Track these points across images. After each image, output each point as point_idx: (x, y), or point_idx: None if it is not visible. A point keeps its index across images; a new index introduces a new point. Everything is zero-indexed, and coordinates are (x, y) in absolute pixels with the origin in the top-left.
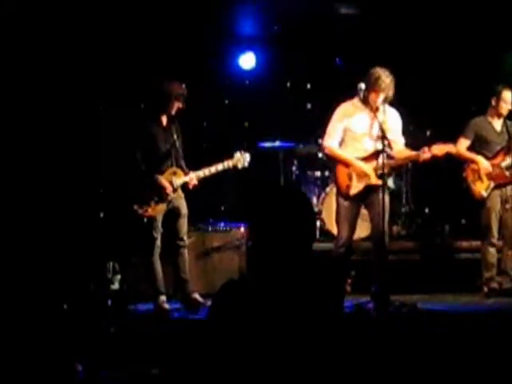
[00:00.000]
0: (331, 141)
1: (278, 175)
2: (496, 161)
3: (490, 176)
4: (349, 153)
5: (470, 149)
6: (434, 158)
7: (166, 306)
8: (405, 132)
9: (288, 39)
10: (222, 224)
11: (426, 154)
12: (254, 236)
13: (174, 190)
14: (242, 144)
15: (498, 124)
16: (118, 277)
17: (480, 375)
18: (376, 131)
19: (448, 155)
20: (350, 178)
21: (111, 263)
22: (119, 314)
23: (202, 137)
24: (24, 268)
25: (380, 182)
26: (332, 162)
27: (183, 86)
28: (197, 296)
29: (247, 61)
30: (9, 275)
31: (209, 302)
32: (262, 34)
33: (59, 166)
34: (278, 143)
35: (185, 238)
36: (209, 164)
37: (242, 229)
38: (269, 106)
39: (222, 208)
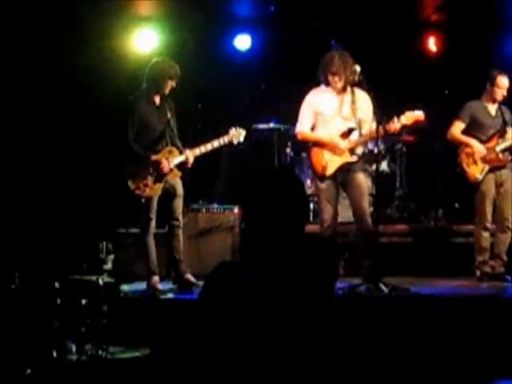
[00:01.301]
0: (303, 126)
1: (273, 157)
2: (490, 144)
3: (484, 159)
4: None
5: (464, 132)
6: (405, 127)
7: (159, 286)
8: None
9: (283, 20)
10: (215, 205)
11: (394, 123)
12: (247, 217)
13: (170, 170)
14: (236, 125)
15: (492, 108)
16: (111, 257)
17: (471, 358)
18: (346, 111)
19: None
20: (325, 160)
21: (104, 243)
22: (112, 293)
23: (197, 118)
24: (16, 247)
25: (354, 159)
26: (306, 147)
27: (176, 65)
28: (189, 276)
29: (243, 42)
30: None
31: (201, 283)
32: (257, 15)
33: (52, 147)
34: (272, 125)
35: (180, 218)
36: (204, 142)
37: (235, 210)
38: (264, 88)
39: (216, 189)
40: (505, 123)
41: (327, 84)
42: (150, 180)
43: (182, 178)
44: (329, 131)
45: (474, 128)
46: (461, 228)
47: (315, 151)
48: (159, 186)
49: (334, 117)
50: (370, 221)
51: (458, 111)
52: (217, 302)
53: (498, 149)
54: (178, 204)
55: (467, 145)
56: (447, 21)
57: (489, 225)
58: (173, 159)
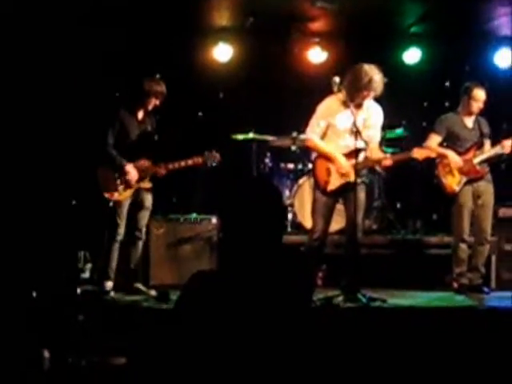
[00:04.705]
0: (314, 134)
1: (251, 167)
2: (468, 156)
3: (461, 171)
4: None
5: (441, 144)
6: (412, 160)
7: (112, 293)
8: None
9: (263, 31)
10: (194, 215)
11: (387, 160)
12: (225, 227)
13: (142, 178)
14: (215, 136)
15: (469, 121)
16: (89, 265)
17: (449, 370)
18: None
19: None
20: (329, 174)
21: (82, 252)
22: (89, 302)
23: (177, 128)
24: None
25: (358, 181)
26: (312, 156)
27: (163, 83)
28: (139, 285)
29: (223, 53)
30: None
31: (153, 292)
32: (236, 26)
33: (28, 153)
34: (251, 135)
35: (143, 230)
36: (180, 158)
37: (214, 220)
38: (243, 98)
39: (194, 199)
40: (482, 135)
41: (353, 99)
42: (120, 185)
43: (158, 189)
44: (337, 146)
45: (451, 140)
46: (438, 239)
47: (320, 164)
48: (129, 193)
49: (346, 132)
50: (360, 235)
51: (434, 124)
52: (193, 310)
53: (475, 161)
54: (144, 216)
55: (444, 156)
56: (427, 32)
57: (466, 237)
58: (146, 171)
